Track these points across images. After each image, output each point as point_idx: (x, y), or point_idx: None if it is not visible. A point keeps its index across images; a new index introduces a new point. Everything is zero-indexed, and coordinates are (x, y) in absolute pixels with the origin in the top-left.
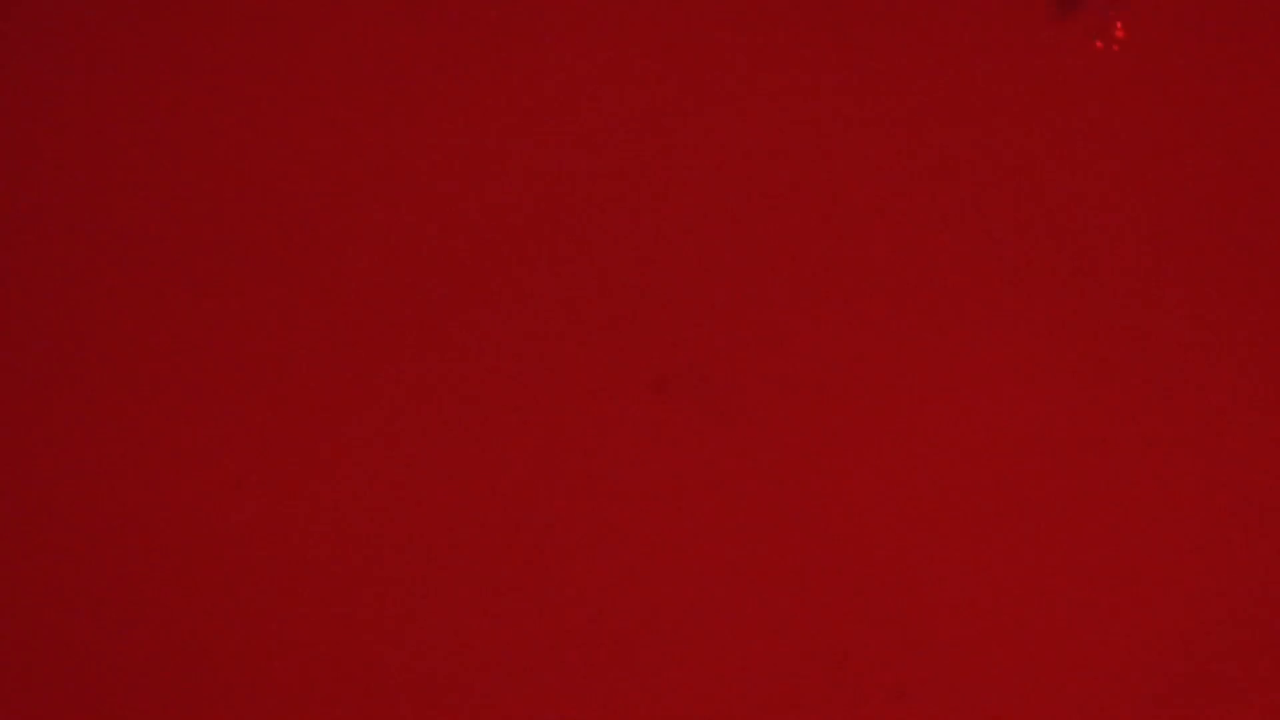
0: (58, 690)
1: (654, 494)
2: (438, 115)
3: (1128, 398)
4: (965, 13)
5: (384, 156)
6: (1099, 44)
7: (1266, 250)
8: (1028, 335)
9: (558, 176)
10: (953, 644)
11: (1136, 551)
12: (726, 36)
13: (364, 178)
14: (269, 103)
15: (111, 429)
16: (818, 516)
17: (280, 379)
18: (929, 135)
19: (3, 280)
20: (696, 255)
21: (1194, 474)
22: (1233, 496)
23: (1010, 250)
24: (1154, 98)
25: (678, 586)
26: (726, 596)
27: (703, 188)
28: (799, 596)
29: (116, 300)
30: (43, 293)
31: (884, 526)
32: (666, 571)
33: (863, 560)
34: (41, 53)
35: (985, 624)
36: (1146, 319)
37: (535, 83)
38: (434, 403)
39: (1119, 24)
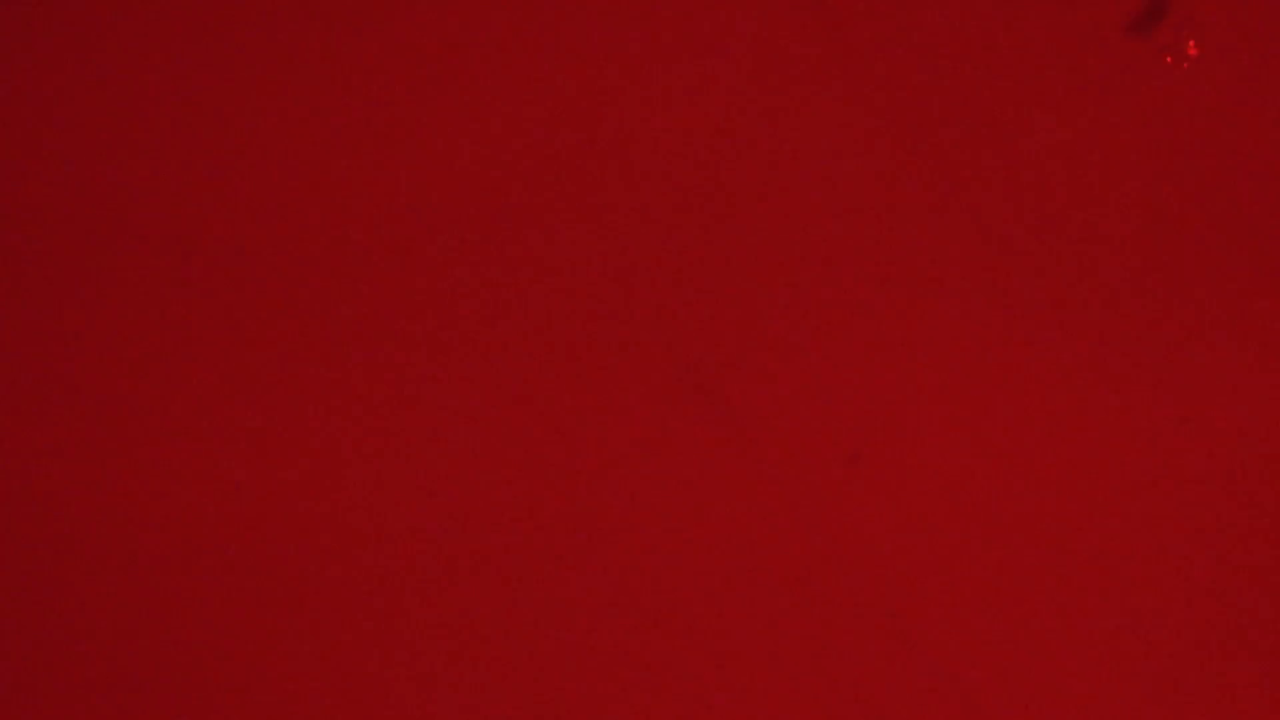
0: (58, 683)
1: (659, 495)
2: (449, 107)
3: (1152, 420)
4: (1038, 28)
5: (386, 151)
6: (1170, 60)
7: None
8: (1065, 349)
9: (564, 174)
10: (953, 645)
11: (1136, 552)
12: (751, 44)
13: (368, 172)
14: (264, 90)
15: (110, 426)
16: (824, 519)
17: (282, 377)
18: (994, 151)
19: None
20: (706, 256)
21: (1194, 467)
22: (1231, 490)
23: (1066, 267)
24: (1225, 117)
25: (679, 588)
26: (730, 597)
27: (717, 189)
28: (804, 599)
29: (113, 294)
30: (42, 289)
31: (890, 528)
32: (668, 573)
33: (869, 564)
34: (41, 51)
35: (986, 629)
36: (1215, 344)
37: (539, 84)
38: (439, 401)
39: (1192, 42)
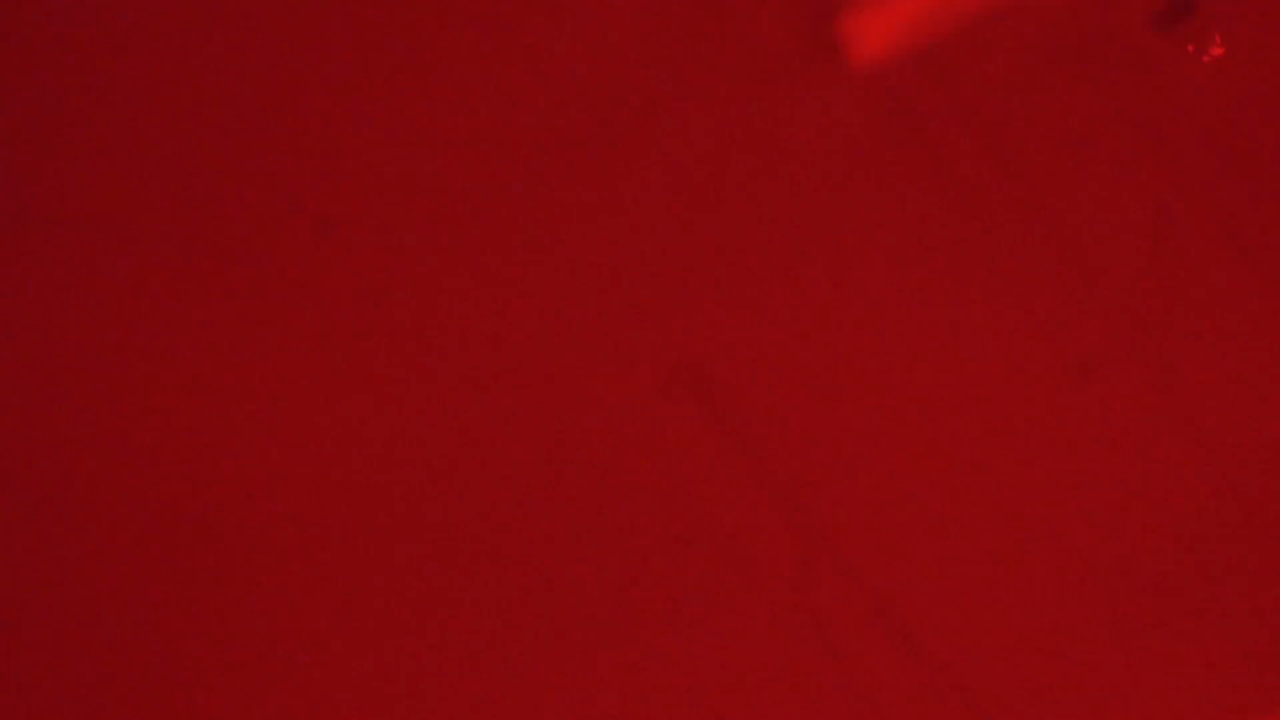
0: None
1: (654, 495)
2: (446, 98)
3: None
4: (1061, 23)
5: (381, 142)
6: (1197, 57)
7: None
8: (1060, 348)
9: (561, 166)
10: (951, 643)
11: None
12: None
13: (362, 164)
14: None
15: (113, 418)
16: (820, 518)
17: (273, 372)
18: (1009, 147)
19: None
20: (702, 256)
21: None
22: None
23: (1076, 263)
24: (1252, 114)
25: (676, 586)
26: (729, 598)
27: (715, 188)
28: (803, 601)
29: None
30: (43, 276)
31: (891, 531)
32: (665, 570)
33: (865, 564)
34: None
35: (985, 630)
36: (1238, 349)
37: (536, 77)
38: (429, 398)
39: (1219, 38)
